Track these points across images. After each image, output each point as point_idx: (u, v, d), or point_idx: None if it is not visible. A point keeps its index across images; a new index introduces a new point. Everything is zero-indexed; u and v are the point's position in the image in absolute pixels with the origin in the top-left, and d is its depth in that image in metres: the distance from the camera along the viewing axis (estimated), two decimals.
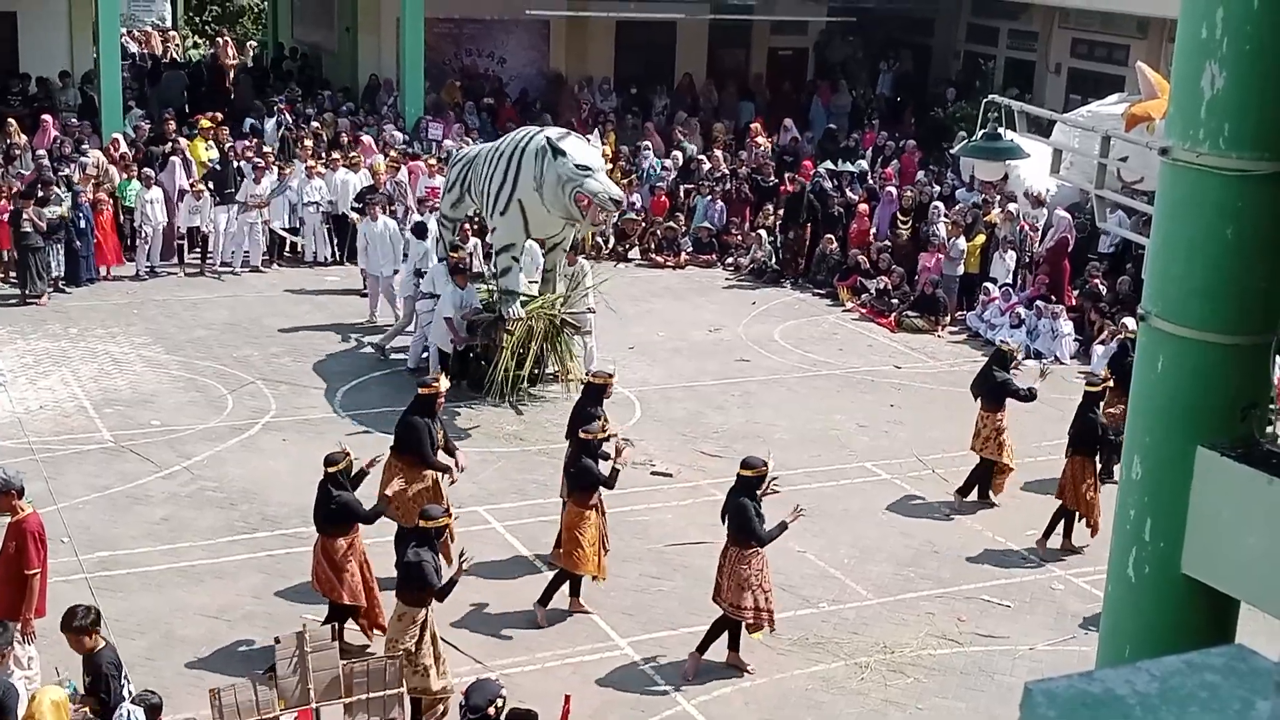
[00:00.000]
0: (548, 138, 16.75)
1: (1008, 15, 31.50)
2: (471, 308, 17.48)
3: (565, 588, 12.26)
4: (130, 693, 8.89)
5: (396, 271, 19.86)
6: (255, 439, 15.94)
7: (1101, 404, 14.27)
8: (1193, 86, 5.72)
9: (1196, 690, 1.67)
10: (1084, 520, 13.88)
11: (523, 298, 17.41)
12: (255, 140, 25.01)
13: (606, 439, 12.41)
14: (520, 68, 31.75)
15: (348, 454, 11.41)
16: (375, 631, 11.29)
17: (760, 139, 28.12)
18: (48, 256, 20.70)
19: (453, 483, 12.66)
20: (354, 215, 22.60)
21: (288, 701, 8.75)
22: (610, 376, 13.51)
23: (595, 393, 13.22)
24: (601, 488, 11.98)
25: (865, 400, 18.19)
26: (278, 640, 9.21)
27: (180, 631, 11.73)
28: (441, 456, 12.44)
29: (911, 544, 14.06)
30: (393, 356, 18.84)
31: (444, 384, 12.76)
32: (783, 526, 11.32)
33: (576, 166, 16.23)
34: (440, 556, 10.50)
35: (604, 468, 12.12)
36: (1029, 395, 14.82)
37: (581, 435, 12.22)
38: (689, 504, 14.50)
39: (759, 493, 11.39)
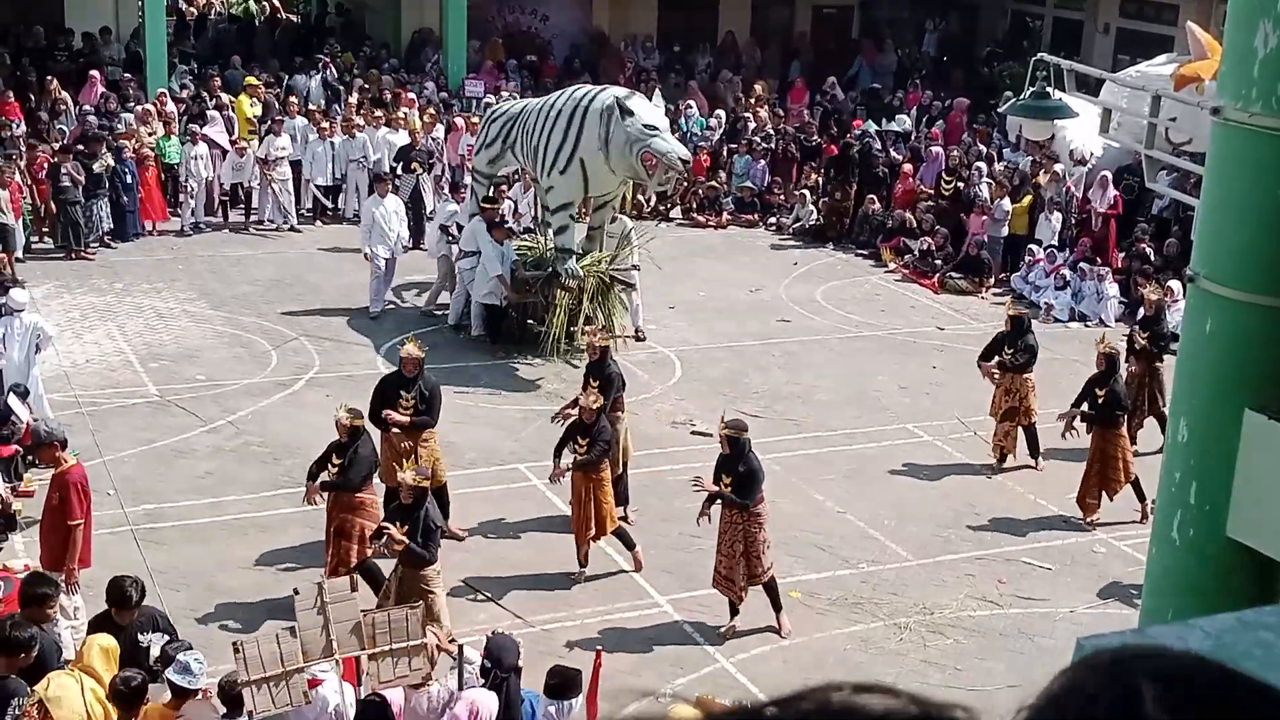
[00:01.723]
0: (616, 97, 16.73)
1: None
2: (510, 263, 17.50)
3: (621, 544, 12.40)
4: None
5: (391, 255, 19.14)
6: (299, 395, 16.05)
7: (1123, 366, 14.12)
8: (1246, 46, 5.64)
9: (1251, 648, 1.66)
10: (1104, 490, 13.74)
11: (576, 255, 17.44)
12: (286, 98, 25.03)
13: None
14: (563, 25, 31.62)
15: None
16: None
17: (798, 103, 27.92)
18: (94, 211, 20.83)
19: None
20: (387, 176, 22.65)
21: (310, 653, 8.81)
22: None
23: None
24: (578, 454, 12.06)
25: (907, 362, 18.12)
26: (296, 592, 9.28)
27: (224, 584, 11.85)
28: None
29: (952, 505, 14.02)
30: (436, 313, 18.88)
31: (410, 350, 12.72)
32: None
33: (645, 126, 16.24)
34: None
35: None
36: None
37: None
38: None
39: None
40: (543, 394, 16.40)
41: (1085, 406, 13.76)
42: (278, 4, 34.26)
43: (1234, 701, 1.17)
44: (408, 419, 12.36)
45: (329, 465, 11.58)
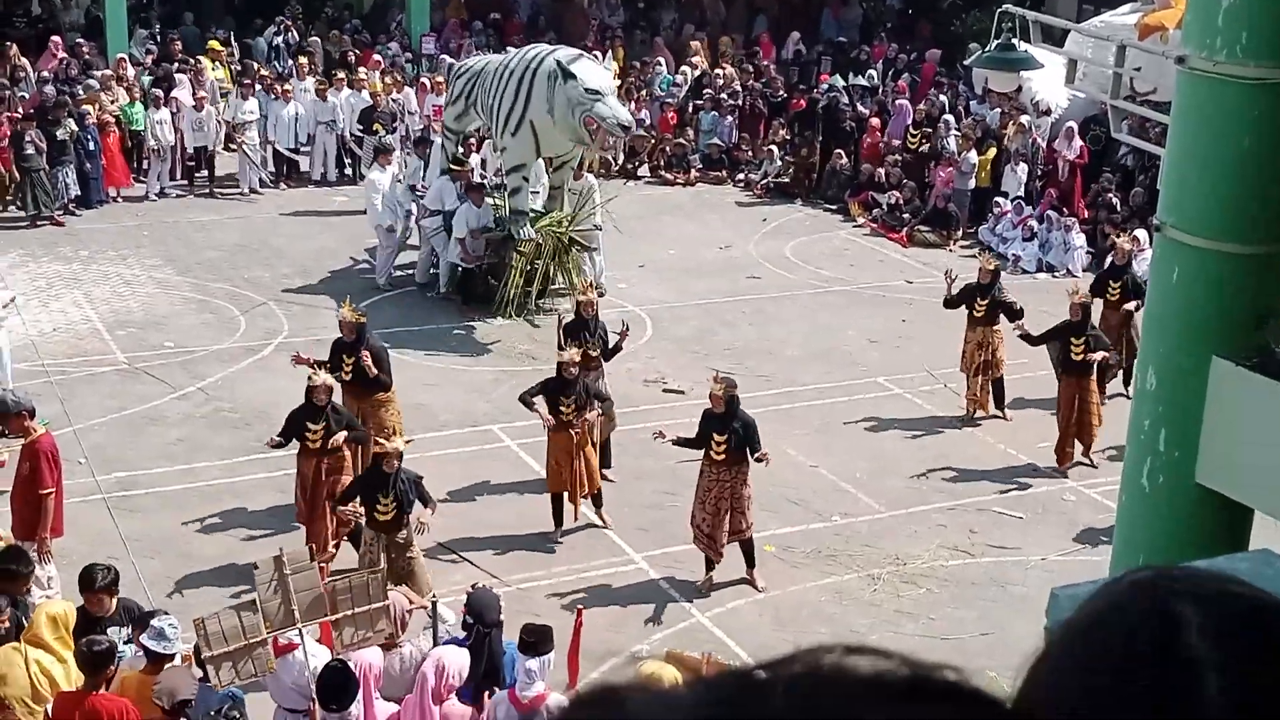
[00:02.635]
0: (558, 60, 16.59)
1: None
2: (483, 225, 17.46)
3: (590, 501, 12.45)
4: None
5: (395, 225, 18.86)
6: (268, 360, 15.99)
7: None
8: None
9: None
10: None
11: (531, 215, 17.39)
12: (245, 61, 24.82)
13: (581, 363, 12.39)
14: None
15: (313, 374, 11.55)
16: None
17: (765, 59, 27.84)
18: (59, 178, 20.63)
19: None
20: (351, 137, 22.54)
21: (273, 624, 8.81)
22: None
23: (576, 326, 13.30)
24: (564, 412, 12.07)
25: (877, 315, 18.17)
26: (256, 566, 9.25)
27: (198, 550, 11.85)
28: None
29: (923, 457, 14.11)
30: (397, 275, 18.76)
31: (344, 314, 12.73)
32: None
33: (586, 91, 16.10)
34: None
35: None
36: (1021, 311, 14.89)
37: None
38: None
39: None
40: (515, 354, 16.39)
41: (1051, 352, 13.91)
42: None
43: (1275, 630, 1.18)
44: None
45: (341, 370, 12.01)
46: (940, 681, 1.06)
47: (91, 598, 8.83)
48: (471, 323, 17.22)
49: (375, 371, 12.36)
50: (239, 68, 24.19)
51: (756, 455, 11.26)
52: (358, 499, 10.63)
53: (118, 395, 14.87)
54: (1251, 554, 2.33)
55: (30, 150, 20.18)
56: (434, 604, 9.37)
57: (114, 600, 8.96)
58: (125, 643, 8.73)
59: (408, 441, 11.02)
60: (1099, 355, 13.75)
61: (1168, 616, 1.17)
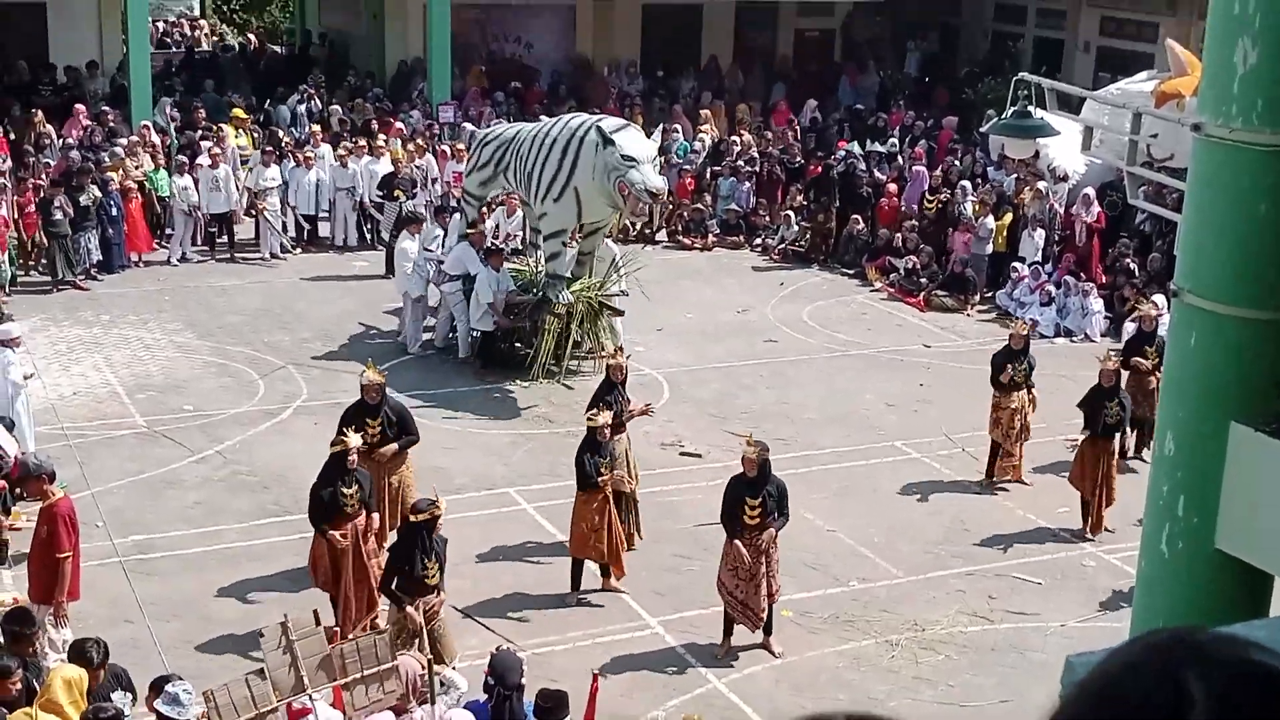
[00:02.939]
0: (599, 128, 16.85)
1: None
2: (507, 289, 17.56)
3: (597, 569, 12.39)
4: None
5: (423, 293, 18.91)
6: (287, 423, 16.04)
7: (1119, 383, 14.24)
8: (1226, 62, 5.71)
9: None
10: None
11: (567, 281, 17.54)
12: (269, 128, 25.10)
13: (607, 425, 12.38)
14: (546, 52, 31.72)
15: (344, 439, 11.50)
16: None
17: (781, 125, 28.03)
18: (82, 244, 20.82)
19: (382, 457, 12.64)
20: (372, 203, 22.75)
21: (283, 692, 8.78)
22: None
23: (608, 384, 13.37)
24: (598, 472, 12.04)
25: (894, 380, 18.17)
26: (261, 634, 9.21)
27: (216, 614, 11.83)
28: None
29: (942, 522, 14.05)
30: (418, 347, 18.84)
31: (369, 377, 12.73)
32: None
33: (623, 157, 16.34)
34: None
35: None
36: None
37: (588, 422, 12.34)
38: (718, 484, 14.42)
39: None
40: (532, 418, 16.41)
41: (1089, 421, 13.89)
42: (254, 37, 34.41)
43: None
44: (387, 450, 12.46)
45: (365, 428, 12.02)
46: None
47: (90, 674, 8.77)
48: (488, 385, 17.26)
49: (400, 443, 12.59)
50: (262, 135, 24.43)
51: (769, 530, 11.20)
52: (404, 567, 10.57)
53: (136, 459, 14.91)
54: (1270, 621, 2.32)
55: (59, 216, 20.39)
56: (429, 666, 9.30)
57: (101, 672, 8.92)
58: (132, 704, 8.72)
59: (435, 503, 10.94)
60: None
61: (1179, 686, 1.16)
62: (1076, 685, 1.24)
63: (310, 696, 8.79)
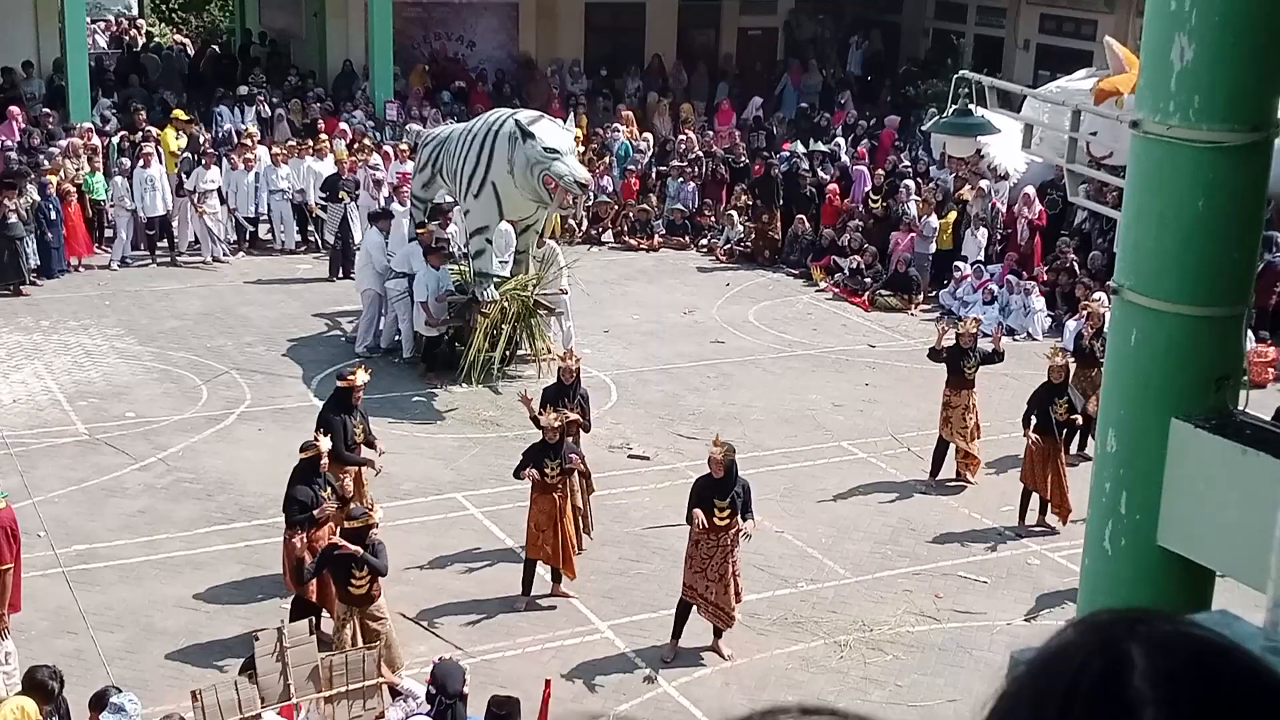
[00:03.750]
0: (516, 120, 16.76)
1: None
2: (444, 289, 17.48)
3: (549, 574, 12.33)
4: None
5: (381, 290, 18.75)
6: (231, 429, 15.88)
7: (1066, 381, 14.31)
8: (1162, 59, 5.73)
9: None
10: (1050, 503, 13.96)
11: (495, 279, 17.42)
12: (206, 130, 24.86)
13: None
14: (489, 51, 31.62)
15: (316, 443, 11.40)
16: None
17: (726, 125, 28.08)
18: (25, 247, 20.54)
19: (377, 473, 12.82)
20: (316, 204, 22.55)
21: (268, 699, 8.73)
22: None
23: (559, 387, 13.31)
24: (548, 475, 11.99)
25: (840, 379, 18.22)
26: (257, 637, 9.17)
27: (159, 624, 11.69)
28: (364, 450, 12.58)
29: (888, 522, 14.10)
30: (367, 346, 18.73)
31: (361, 377, 12.72)
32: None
33: (544, 149, 16.27)
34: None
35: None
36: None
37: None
38: (666, 486, 14.49)
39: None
40: (479, 422, 16.33)
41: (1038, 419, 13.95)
42: (185, 40, 34.18)
43: (1225, 678, 1.16)
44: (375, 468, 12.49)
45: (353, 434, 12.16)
46: None
47: (42, 705, 8.62)
48: (435, 389, 17.17)
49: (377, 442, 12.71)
50: (203, 137, 24.17)
51: (748, 520, 11.21)
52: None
53: (78, 466, 14.72)
54: (1210, 615, 2.32)
55: (13, 219, 20.11)
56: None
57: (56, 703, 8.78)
58: None
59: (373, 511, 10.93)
60: (1033, 437, 13.80)
61: (1115, 658, 1.17)
62: (1020, 664, 1.24)
63: (296, 705, 8.75)
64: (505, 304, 17.31)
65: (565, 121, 18.00)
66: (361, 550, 10.29)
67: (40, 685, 8.66)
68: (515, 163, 16.59)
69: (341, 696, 9.00)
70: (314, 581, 11.12)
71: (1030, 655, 1.24)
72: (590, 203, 24.50)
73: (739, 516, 11.18)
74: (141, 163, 21.97)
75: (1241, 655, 1.19)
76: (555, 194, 16.62)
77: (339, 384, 12.89)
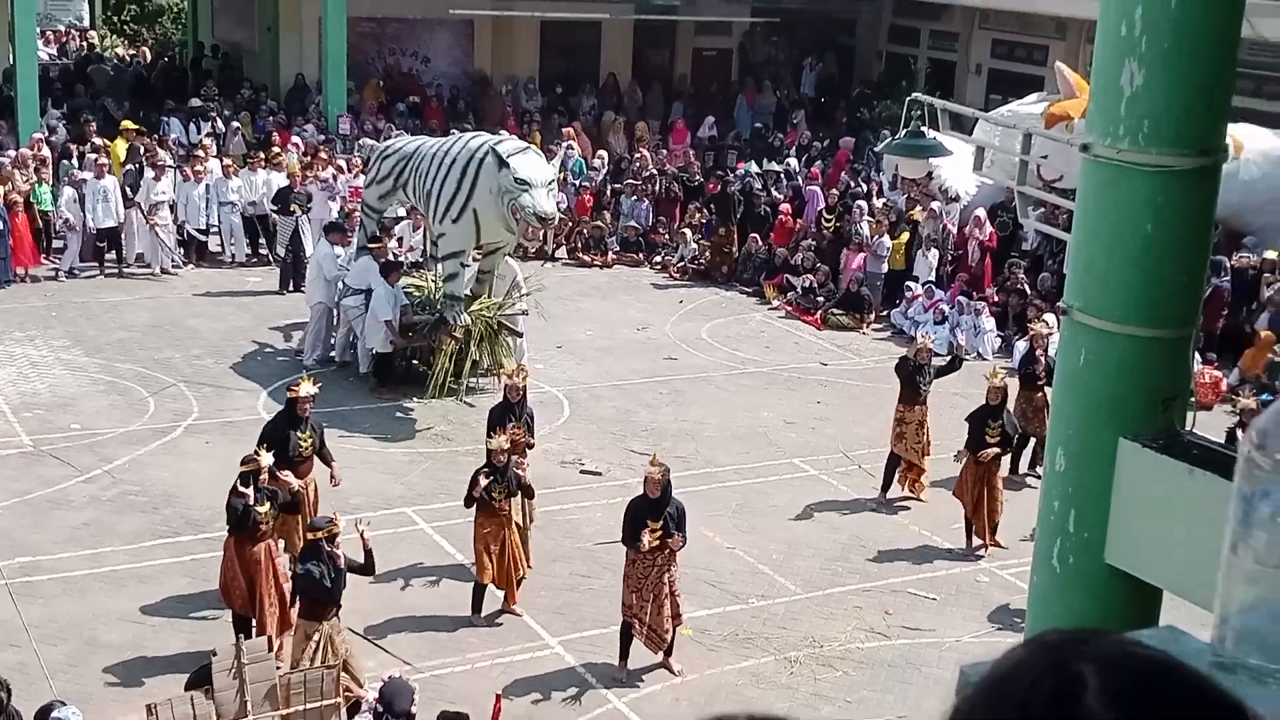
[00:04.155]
0: (495, 150, 16.72)
1: (929, 16, 31.81)
2: (402, 305, 17.41)
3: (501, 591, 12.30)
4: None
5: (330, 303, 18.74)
6: (178, 442, 15.74)
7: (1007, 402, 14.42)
8: (1113, 83, 5.81)
9: None
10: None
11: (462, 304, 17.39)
12: (156, 141, 24.70)
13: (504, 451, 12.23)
14: (444, 67, 31.60)
15: (256, 457, 11.32)
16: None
17: (680, 144, 28.17)
18: None
19: (335, 484, 12.81)
20: (273, 215, 22.45)
21: (225, 715, 8.65)
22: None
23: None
24: (495, 498, 11.93)
25: (792, 397, 18.29)
26: (214, 653, 9.09)
27: (103, 637, 11.55)
28: (314, 464, 12.67)
29: (839, 539, 14.15)
30: (316, 357, 18.63)
31: (306, 388, 12.64)
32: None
33: (516, 180, 16.25)
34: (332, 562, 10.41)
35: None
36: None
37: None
38: (618, 502, 14.39)
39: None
40: (429, 436, 16.27)
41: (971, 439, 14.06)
42: (134, 52, 34.00)
43: (1173, 696, 1.18)
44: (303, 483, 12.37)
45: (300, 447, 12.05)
46: None
47: None
48: (384, 404, 17.10)
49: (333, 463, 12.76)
50: (157, 150, 23.99)
51: (679, 539, 11.21)
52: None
53: (22, 478, 14.54)
54: (1156, 631, 2.35)
55: None
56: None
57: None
58: None
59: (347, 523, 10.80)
60: (993, 453, 13.89)
61: (1067, 677, 1.18)
62: (970, 685, 1.25)
63: None
64: (470, 325, 17.25)
65: (551, 156, 17.96)
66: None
67: None
68: (492, 190, 16.58)
69: (299, 715, 8.93)
70: (244, 594, 11.03)
71: (980, 674, 1.25)
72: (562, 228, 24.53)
73: (671, 539, 11.19)
74: (95, 174, 21.80)
75: (1188, 673, 1.22)
76: (520, 225, 16.60)
77: (288, 394, 12.85)
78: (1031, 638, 1.27)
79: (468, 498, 12.03)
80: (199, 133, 25.73)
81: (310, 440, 12.52)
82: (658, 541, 11.11)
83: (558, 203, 24.43)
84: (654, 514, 11.16)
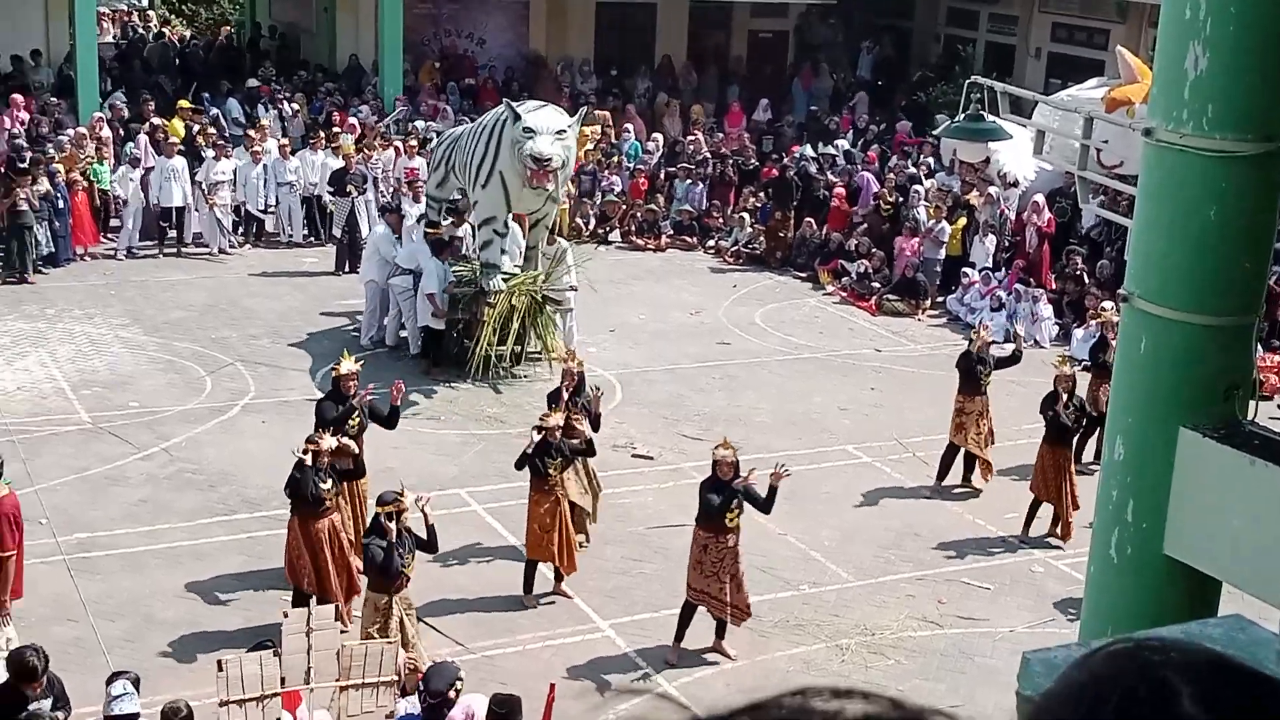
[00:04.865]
0: (511, 106, 16.96)
1: None
2: (448, 281, 17.49)
3: (550, 571, 12.31)
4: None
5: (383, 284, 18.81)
6: (234, 420, 15.87)
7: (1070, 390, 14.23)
8: (1176, 67, 5.72)
9: None
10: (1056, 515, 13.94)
11: (503, 274, 17.39)
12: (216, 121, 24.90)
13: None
14: (499, 49, 31.61)
15: (318, 440, 11.39)
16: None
17: (735, 127, 28.06)
18: (34, 236, 20.56)
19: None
20: (328, 198, 22.58)
21: (290, 679, 8.77)
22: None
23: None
24: (547, 472, 11.97)
25: (846, 383, 18.20)
26: (286, 615, 9.24)
27: (159, 613, 11.68)
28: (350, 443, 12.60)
29: (892, 526, 14.07)
30: (372, 338, 18.73)
31: (347, 365, 12.68)
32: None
33: (524, 129, 16.34)
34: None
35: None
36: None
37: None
38: (670, 486, 14.48)
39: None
40: (483, 418, 16.32)
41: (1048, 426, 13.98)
42: (172, 32, 34.29)
43: (1263, 697, 1.18)
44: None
45: (346, 425, 11.99)
46: None
47: (31, 686, 8.57)
48: (437, 384, 17.16)
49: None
50: (212, 129, 24.17)
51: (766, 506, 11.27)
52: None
53: (81, 455, 14.71)
54: (1223, 619, 2.31)
55: (24, 207, 20.11)
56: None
57: (43, 681, 8.74)
58: (54, 709, 8.59)
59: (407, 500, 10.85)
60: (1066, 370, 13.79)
61: (1160, 686, 1.17)
62: (1044, 694, 1.23)
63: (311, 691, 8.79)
64: (514, 299, 17.27)
65: (578, 116, 17.87)
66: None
67: (23, 664, 8.62)
68: (509, 147, 16.66)
69: (357, 687, 9.02)
70: (311, 571, 11.12)
71: (1054, 687, 1.23)
72: (599, 201, 24.50)
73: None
74: (165, 153, 22.03)
75: (1268, 677, 1.21)
76: (529, 174, 16.48)
77: (332, 373, 12.95)
78: (1097, 647, 1.25)
79: (520, 458, 12.05)
80: (256, 113, 25.88)
81: (359, 421, 12.52)
82: (735, 523, 11.12)
83: (613, 185, 24.59)
84: (731, 495, 11.12)
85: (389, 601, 10.34)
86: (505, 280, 17.27)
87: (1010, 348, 16.40)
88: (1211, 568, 5.82)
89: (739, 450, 11.53)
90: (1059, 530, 13.89)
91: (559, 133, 16.58)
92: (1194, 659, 1.20)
